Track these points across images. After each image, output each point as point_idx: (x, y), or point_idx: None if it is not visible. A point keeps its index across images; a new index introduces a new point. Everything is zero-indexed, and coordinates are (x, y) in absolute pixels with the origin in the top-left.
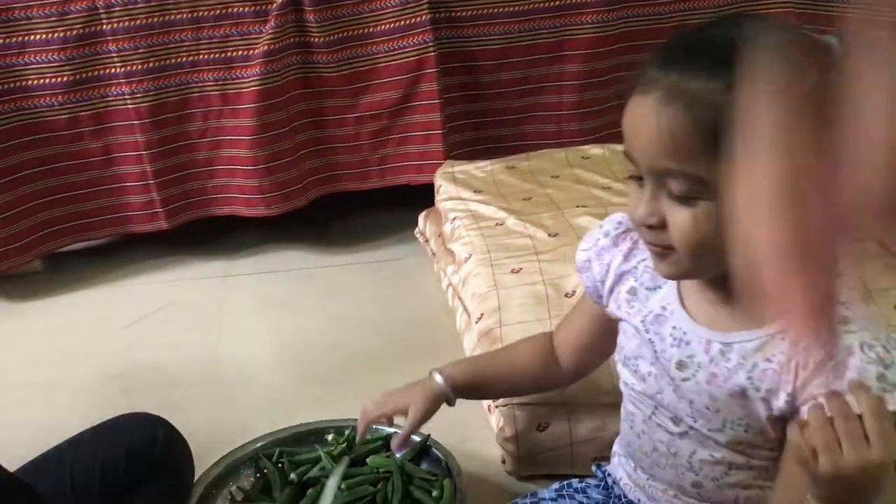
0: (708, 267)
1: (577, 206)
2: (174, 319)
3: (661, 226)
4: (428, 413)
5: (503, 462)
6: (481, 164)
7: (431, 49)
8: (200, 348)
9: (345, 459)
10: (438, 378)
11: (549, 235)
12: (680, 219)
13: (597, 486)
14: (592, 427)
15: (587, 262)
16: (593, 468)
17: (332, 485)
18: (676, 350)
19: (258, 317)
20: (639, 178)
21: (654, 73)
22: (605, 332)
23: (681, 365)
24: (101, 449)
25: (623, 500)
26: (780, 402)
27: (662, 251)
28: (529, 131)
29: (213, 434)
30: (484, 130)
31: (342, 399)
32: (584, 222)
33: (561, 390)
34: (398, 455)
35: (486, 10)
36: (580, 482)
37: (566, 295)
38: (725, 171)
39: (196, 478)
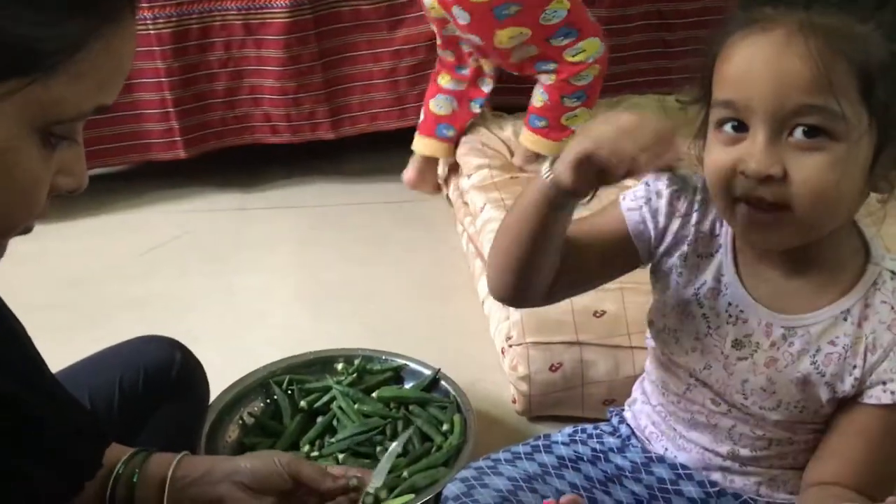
0: (820, 226)
1: None
2: (190, 249)
3: (781, 178)
4: None
5: (513, 402)
6: (505, 119)
7: None
8: (215, 279)
9: (410, 428)
10: None
11: None
12: (808, 166)
13: (611, 433)
14: (605, 369)
15: (641, 224)
16: (607, 413)
17: (393, 449)
18: (732, 328)
19: (272, 251)
20: (734, 128)
21: (767, 12)
22: (620, 253)
23: (737, 343)
24: (119, 369)
25: (639, 448)
26: (845, 387)
27: (768, 214)
28: None
29: (224, 363)
30: None
31: (354, 335)
32: None
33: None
34: (408, 387)
35: None
36: (594, 427)
37: None
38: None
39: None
